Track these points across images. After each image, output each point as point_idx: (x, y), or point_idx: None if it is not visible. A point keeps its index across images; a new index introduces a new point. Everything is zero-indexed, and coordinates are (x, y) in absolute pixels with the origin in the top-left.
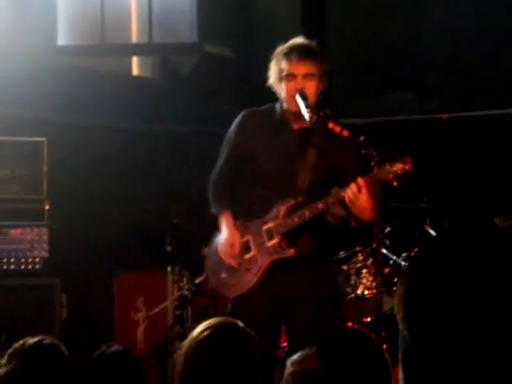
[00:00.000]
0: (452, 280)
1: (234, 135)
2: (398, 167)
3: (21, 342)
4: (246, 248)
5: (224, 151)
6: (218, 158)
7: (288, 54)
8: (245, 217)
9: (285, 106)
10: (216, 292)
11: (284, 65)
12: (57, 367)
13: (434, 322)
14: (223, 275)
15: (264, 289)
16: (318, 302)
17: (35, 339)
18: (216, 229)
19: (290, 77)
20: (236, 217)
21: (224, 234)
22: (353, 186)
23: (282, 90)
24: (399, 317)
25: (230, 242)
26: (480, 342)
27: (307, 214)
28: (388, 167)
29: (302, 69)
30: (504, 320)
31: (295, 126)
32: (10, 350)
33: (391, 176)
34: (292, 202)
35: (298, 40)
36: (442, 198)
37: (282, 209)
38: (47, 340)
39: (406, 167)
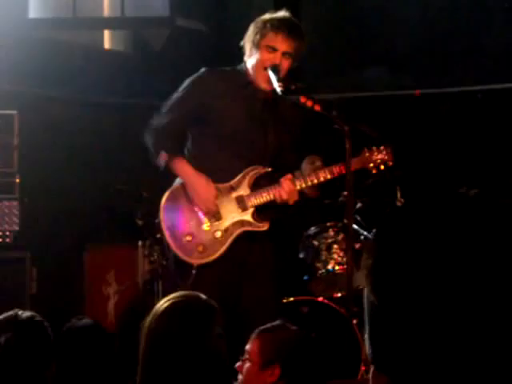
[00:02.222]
0: (418, 248)
1: (194, 92)
2: (379, 157)
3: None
4: (215, 214)
5: (177, 101)
6: (165, 104)
7: (277, 27)
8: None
9: (251, 73)
10: (177, 255)
11: (269, 35)
12: (43, 343)
13: (401, 290)
14: (187, 238)
15: (228, 256)
16: (266, 274)
17: (28, 314)
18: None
19: (270, 49)
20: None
21: (192, 181)
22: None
23: (255, 57)
24: (367, 289)
25: (204, 187)
26: (449, 308)
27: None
28: (368, 156)
29: (285, 46)
30: (472, 286)
31: (259, 94)
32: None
33: (371, 165)
34: (261, 170)
35: (287, 15)
36: (413, 172)
37: (251, 176)
38: (38, 317)
39: (387, 158)
